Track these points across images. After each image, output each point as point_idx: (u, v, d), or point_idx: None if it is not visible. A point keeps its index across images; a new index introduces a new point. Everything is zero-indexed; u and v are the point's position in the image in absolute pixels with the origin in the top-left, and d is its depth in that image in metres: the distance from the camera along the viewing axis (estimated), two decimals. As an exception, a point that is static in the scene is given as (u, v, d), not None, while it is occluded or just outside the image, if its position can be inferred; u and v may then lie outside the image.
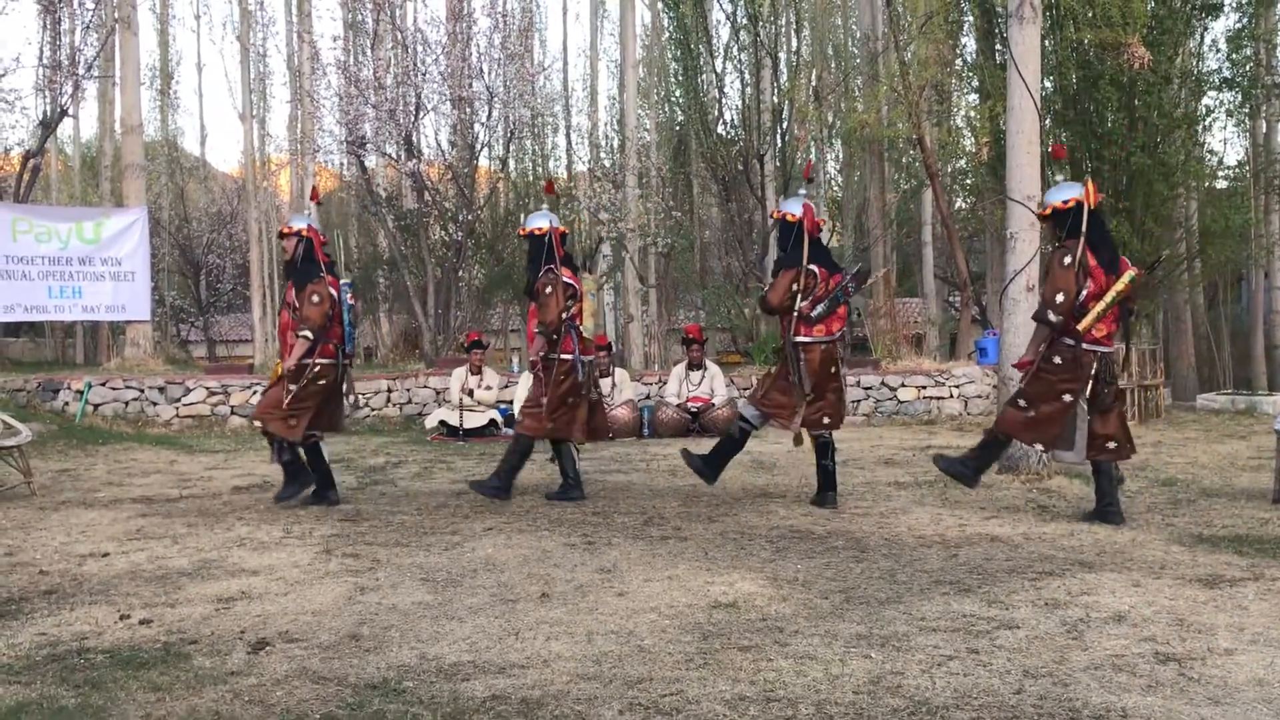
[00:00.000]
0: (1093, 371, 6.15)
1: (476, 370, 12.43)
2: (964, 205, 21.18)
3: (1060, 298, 6.08)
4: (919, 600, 4.44)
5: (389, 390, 13.57)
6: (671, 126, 23.39)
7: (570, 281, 7.13)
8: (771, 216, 7.39)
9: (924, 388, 13.49)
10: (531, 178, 21.77)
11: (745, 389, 13.38)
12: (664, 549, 5.58)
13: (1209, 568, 5.02)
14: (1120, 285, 6.13)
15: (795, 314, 6.71)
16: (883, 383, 13.63)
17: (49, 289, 14.26)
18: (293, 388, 6.94)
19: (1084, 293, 6.11)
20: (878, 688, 3.37)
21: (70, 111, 20.18)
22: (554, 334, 7.03)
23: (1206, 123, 16.48)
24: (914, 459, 9.47)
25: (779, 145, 18.27)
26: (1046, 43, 13.55)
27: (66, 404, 12.65)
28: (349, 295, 7.23)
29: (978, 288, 20.41)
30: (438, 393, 13.18)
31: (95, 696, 3.37)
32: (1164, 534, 5.88)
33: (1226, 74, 16.25)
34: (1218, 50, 17.73)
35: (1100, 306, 6.10)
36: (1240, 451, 9.79)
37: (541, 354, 7.10)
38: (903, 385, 13.57)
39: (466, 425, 11.79)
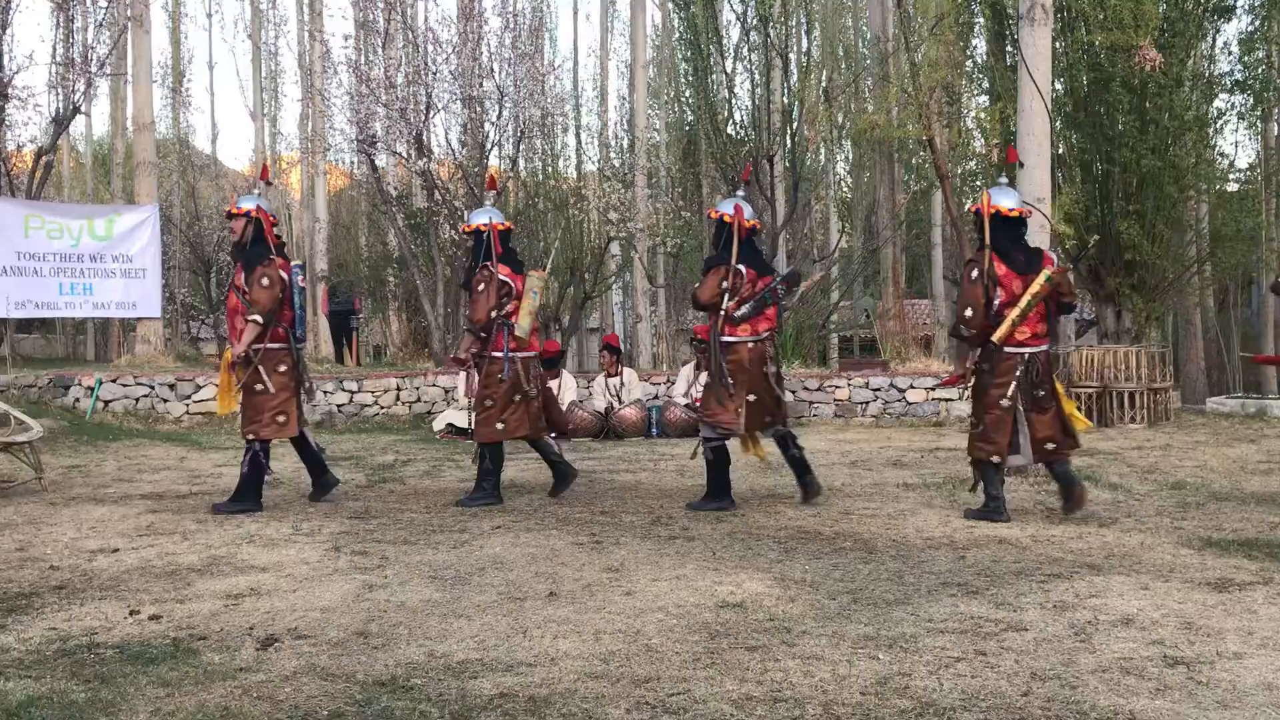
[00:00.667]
0: (1018, 374, 6.29)
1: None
2: (974, 207, 21.13)
3: (969, 312, 6.33)
4: (927, 601, 4.44)
5: (398, 389, 13.60)
6: (681, 126, 23.41)
7: (507, 279, 7.07)
8: (708, 215, 7.50)
9: (933, 389, 13.47)
10: (542, 177, 21.77)
11: (754, 389, 13.37)
12: (672, 549, 5.59)
13: (1218, 571, 5.01)
14: (1035, 287, 6.24)
15: (721, 313, 6.76)
16: (891, 384, 13.62)
17: (60, 285, 14.31)
18: (265, 388, 6.78)
19: (996, 302, 6.30)
20: (885, 689, 3.37)
21: (83, 109, 20.27)
22: (483, 332, 7.00)
23: (1218, 125, 16.44)
24: (922, 460, 9.46)
25: (789, 146, 18.25)
26: (1057, 45, 13.52)
27: (77, 400, 12.70)
28: (300, 278, 7.06)
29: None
30: (446, 391, 13.20)
31: (105, 691, 3.38)
32: (1173, 537, 5.87)
33: (1238, 76, 16.19)
34: (1230, 53, 17.70)
35: (1015, 313, 6.24)
36: (1250, 455, 9.75)
37: (472, 352, 7.09)
38: (911, 387, 13.56)
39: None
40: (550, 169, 22.17)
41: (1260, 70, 16.21)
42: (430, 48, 17.42)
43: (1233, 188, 17.45)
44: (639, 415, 12.12)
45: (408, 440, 11.63)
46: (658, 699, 3.29)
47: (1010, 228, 6.42)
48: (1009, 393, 6.30)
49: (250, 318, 6.71)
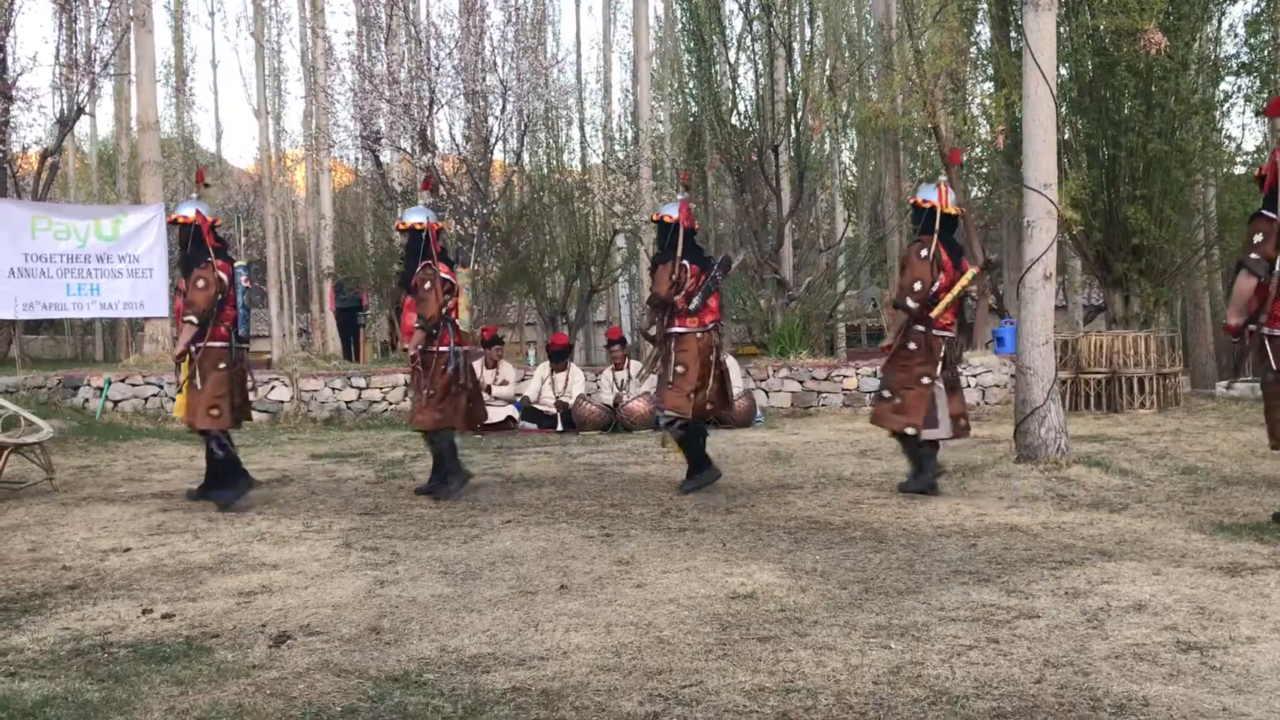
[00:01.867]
0: (942, 354, 6.82)
1: (492, 365, 12.45)
2: (980, 194, 21.07)
3: (918, 285, 6.76)
4: (938, 590, 4.43)
5: (406, 385, 13.60)
6: (685, 118, 23.32)
7: (447, 276, 7.27)
8: (651, 219, 7.86)
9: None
10: (546, 171, 21.74)
11: (761, 380, 13.38)
12: (682, 540, 5.59)
13: (1230, 556, 4.99)
14: (963, 281, 6.85)
15: (670, 307, 7.17)
16: (899, 373, 13.59)
17: (67, 286, 14.33)
18: (199, 384, 6.92)
19: (937, 284, 6.80)
20: (898, 678, 3.37)
21: (87, 109, 20.30)
22: (434, 328, 7.17)
23: (1224, 109, 16.38)
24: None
25: (793, 136, 18.20)
26: (1062, 30, 13.46)
27: (86, 401, 12.75)
28: (243, 278, 7.28)
29: (994, 276, 20.32)
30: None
31: (119, 690, 3.40)
32: (1184, 522, 5.86)
33: (1245, 59, 16.11)
34: (1236, 35, 17.58)
35: (948, 298, 6.78)
36: (1260, 439, 9.68)
37: (420, 348, 7.22)
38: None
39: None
40: (555, 162, 22.14)
41: (1266, 52, 16.13)
42: (433, 43, 17.42)
43: (1240, 171, 17.36)
44: (647, 408, 12.10)
45: (416, 436, 11.63)
46: (670, 691, 3.29)
47: (951, 223, 6.99)
48: (935, 371, 6.81)
49: (186, 318, 6.96)
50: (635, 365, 12.83)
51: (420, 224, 7.27)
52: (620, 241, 21.18)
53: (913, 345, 6.81)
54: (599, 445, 10.57)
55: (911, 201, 7.19)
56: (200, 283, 6.92)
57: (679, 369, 7.14)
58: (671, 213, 7.33)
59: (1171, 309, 20.29)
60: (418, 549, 5.50)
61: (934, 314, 6.76)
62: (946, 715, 3.06)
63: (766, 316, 18.35)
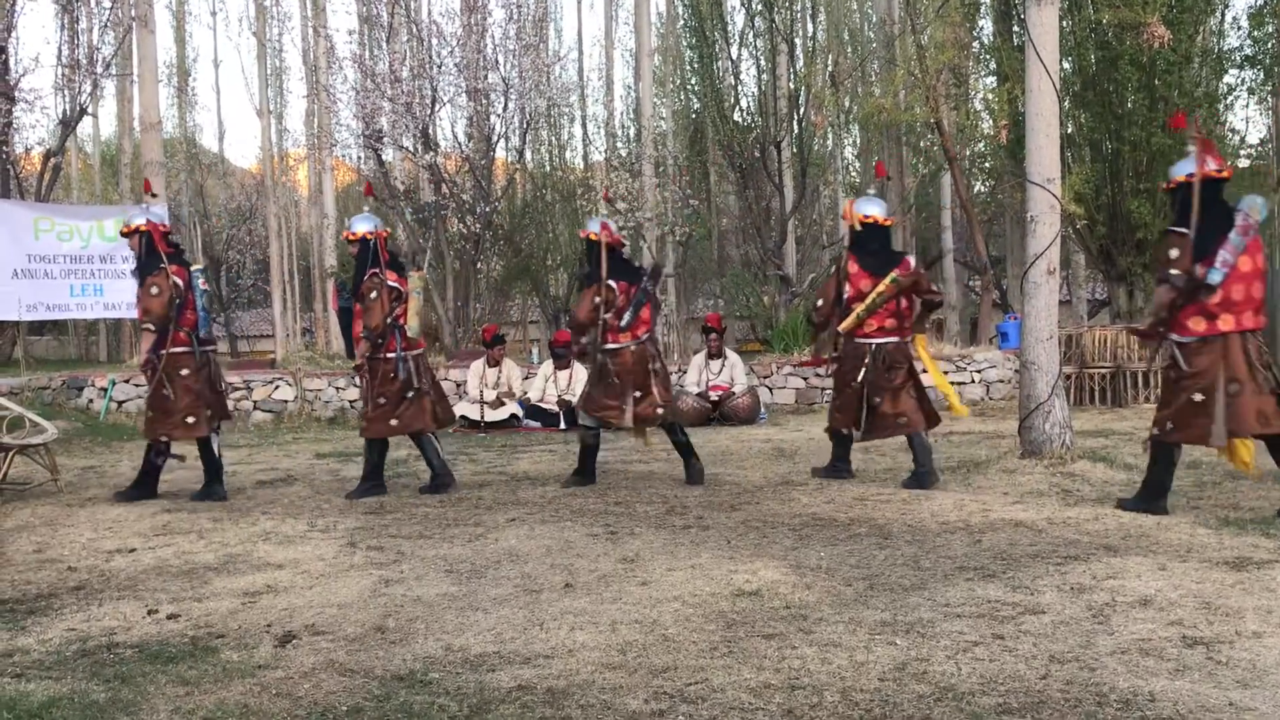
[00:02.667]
0: (866, 361, 7.19)
1: (495, 364, 12.45)
2: (983, 189, 21.06)
3: (820, 303, 7.40)
4: (943, 586, 4.43)
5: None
6: (688, 114, 23.32)
7: (395, 284, 7.36)
8: (579, 235, 7.98)
9: (945, 373, 13.42)
10: (548, 168, 21.74)
11: (765, 377, 13.38)
12: (686, 538, 5.59)
13: (1236, 550, 4.98)
14: (881, 287, 7.10)
15: (602, 324, 7.31)
16: (903, 368, 13.57)
17: (71, 287, 14.37)
18: (170, 394, 7.11)
19: (845, 297, 7.25)
20: (903, 674, 3.37)
21: (89, 110, 20.30)
22: (379, 338, 7.26)
23: (1228, 101, 16.32)
24: (935, 445, 9.42)
25: (796, 131, 18.19)
26: (1065, 23, 13.44)
27: (91, 401, 12.76)
28: (200, 281, 7.36)
29: (998, 271, 20.31)
30: (458, 385, 13.21)
31: (125, 691, 3.40)
32: (1190, 517, 5.85)
33: (1248, 51, 16.06)
34: (1239, 27, 17.52)
35: (861, 308, 7.14)
36: (1266, 433, 9.69)
37: (366, 356, 7.32)
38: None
39: (488, 418, 11.82)
40: (557, 160, 22.14)
41: (1270, 44, 16.07)
42: (434, 41, 17.42)
43: (1244, 164, 17.32)
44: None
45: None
46: (675, 688, 3.29)
47: (876, 233, 7.33)
48: (859, 377, 7.21)
49: (144, 326, 7.10)
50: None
51: (369, 233, 7.37)
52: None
53: (839, 353, 7.40)
54: (603, 442, 10.55)
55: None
56: (154, 289, 7.06)
57: (614, 381, 7.32)
58: (594, 229, 7.45)
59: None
60: (422, 548, 5.50)
61: (843, 327, 7.24)
62: (952, 711, 3.06)
63: (770, 313, 18.35)
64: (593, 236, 7.42)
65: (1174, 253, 5.81)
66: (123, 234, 7.42)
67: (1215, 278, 5.65)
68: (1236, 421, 5.72)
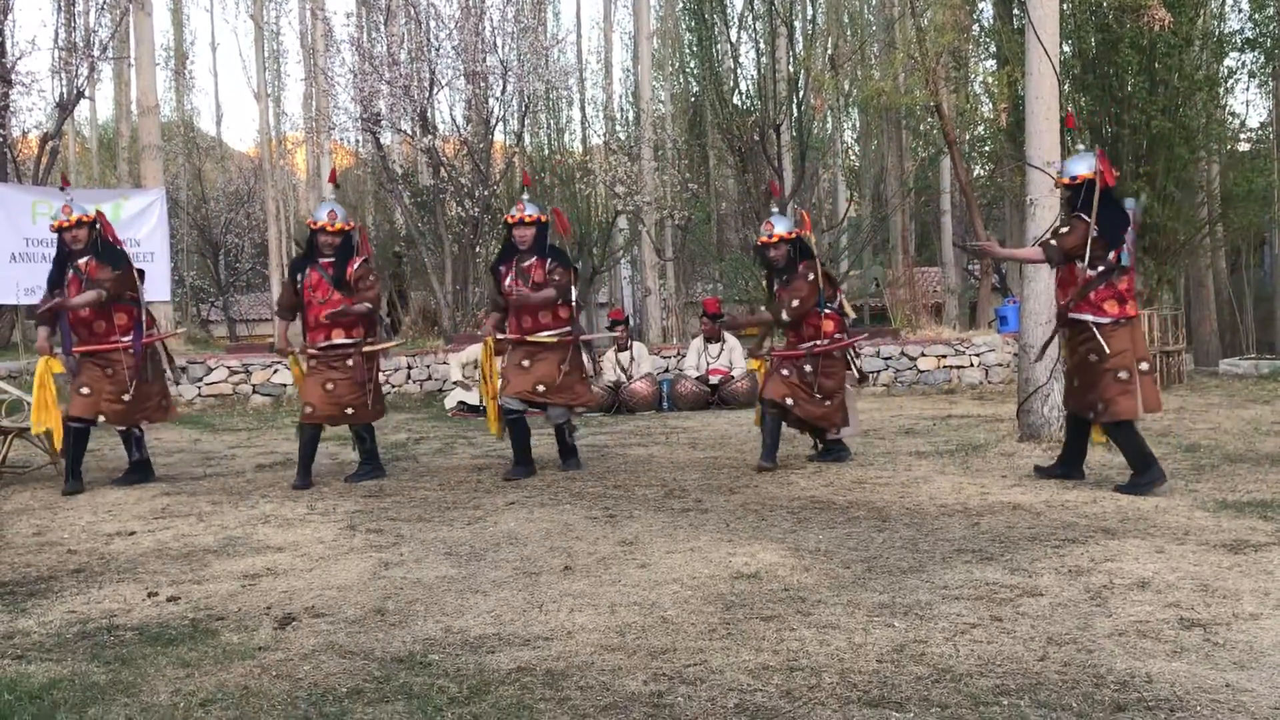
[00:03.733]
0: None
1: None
2: (983, 172, 21.02)
3: (796, 303, 7.33)
4: (941, 569, 4.44)
5: (409, 367, 13.62)
6: (687, 98, 23.28)
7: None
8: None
9: (944, 357, 13.45)
10: (547, 152, 21.68)
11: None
12: (685, 521, 5.60)
13: (1233, 533, 4.99)
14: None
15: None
16: (902, 352, 13.59)
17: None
18: (148, 379, 7.44)
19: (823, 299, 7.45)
20: (901, 656, 3.38)
21: (86, 93, 20.24)
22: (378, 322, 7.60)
23: (1228, 84, 16.28)
24: (934, 428, 9.45)
25: (795, 115, 18.14)
26: (1065, 6, 13.38)
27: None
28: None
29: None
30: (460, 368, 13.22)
31: (125, 673, 3.41)
32: (1188, 500, 5.86)
33: (1249, 34, 16.03)
34: (1240, 10, 17.48)
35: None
36: (1264, 416, 9.72)
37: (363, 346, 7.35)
38: (922, 355, 13.54)
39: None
40: (556, 143, 22.09)
41: (1271, 27, 16.04)
42: (432, 23, 17.34)
43: (1244, 147, 17.32)
44: (650, 389, 12.12)
45: (420, 418, 11.67)
46: (674, 670, 3.30)
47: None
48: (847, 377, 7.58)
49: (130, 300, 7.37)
50: (638, 346, 12.83)
51: (351, 225, 7.47)
52: (622, 223, 21.14)
53: (836, 355, 7.50)
54: (601, 426, 10.58)
55: (796, 235, 7.51)
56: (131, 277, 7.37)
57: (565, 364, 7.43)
58: (532, 212, 7.52)
59: (1175, 287, 20.22)
60: (422, 531, 5.51)
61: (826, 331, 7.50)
62: (950, 693, 3.07)
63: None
64: (543, 219, 7.58)
65: (1065, 229, 6.20)
66: (81, 221, 7.20)
67: (1126, 260, 6.13)
68: (1146, 398, 6.09)
